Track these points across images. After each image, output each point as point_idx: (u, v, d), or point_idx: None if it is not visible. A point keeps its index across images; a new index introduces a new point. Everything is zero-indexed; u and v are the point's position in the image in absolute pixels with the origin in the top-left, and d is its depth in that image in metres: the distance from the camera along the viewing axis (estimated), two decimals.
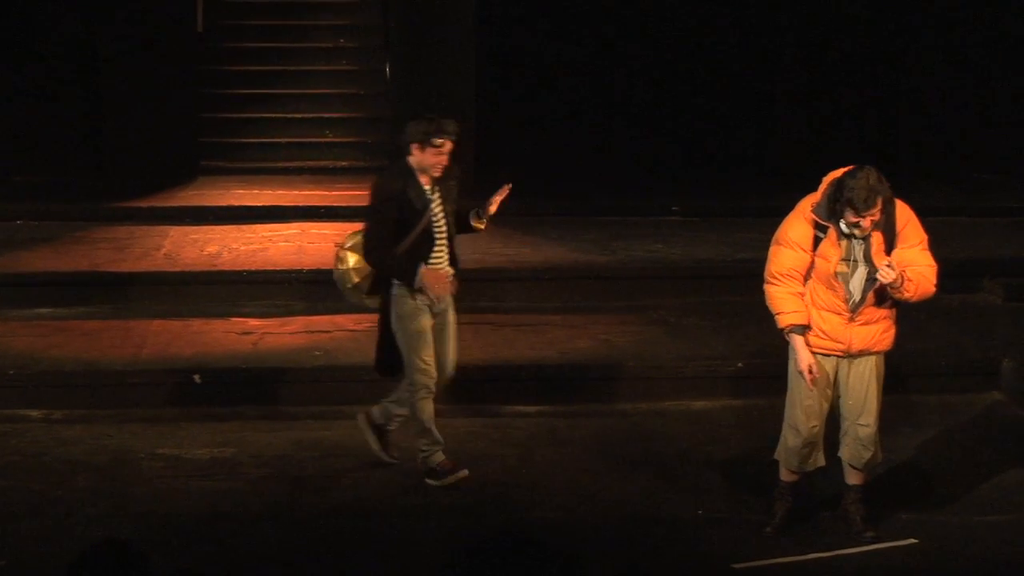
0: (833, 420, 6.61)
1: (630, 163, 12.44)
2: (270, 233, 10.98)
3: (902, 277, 6.17)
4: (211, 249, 10.49)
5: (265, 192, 12.04)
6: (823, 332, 6.39)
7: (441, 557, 6.04)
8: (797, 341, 6.39)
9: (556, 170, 12.20)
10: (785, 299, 6.39)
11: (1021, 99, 12.82)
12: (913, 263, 6.25)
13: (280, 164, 13.03)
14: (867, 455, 6.54)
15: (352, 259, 7.19)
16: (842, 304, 6.35)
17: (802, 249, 6.33)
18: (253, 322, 9.31)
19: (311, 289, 9.79)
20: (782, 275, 6.39)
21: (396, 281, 6.97)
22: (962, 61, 12.77)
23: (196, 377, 8.31)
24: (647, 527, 6.74)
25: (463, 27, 12.20)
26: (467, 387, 8.39)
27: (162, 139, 12.14)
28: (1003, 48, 12.78)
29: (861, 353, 6.42)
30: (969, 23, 12.78)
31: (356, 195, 12.00)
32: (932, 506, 6.99)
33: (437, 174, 6.92)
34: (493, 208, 7.15)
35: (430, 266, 6.93)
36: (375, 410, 7.36)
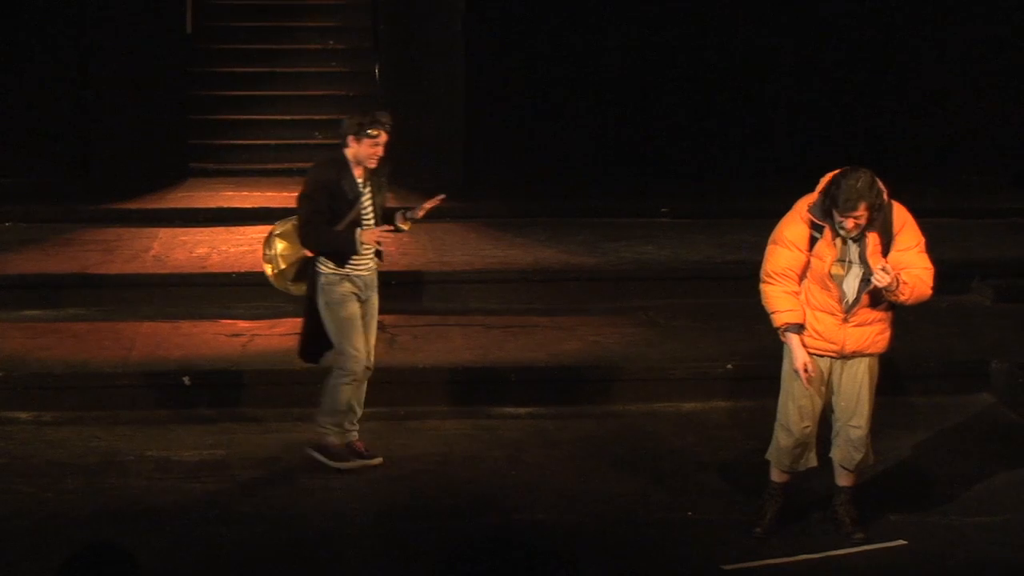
0: (825, 421, 6.62)
1: (620, 164, 12.45)
2: (260, 235, 10.78)
3: (897, 280, 6.18)
4: (200, 251, 10.49)
5: (254, 194, 12.04)
6: (817, 332, 6.40)
7: (431, 558, 6.08)
8: (792, 340, 6.41)
9: (546, 171, 12.21)
10: (780, 298, 6.40)
11: (1010, 100, 12.85)
12: (910, 266, 6.26)
13: (270, 166, 13.02)
14: (858, 457, 6.55)
15: (280, 245, 7.45)
16: (836, 305, 6.35)
17: (798, 249, 6.35)
18: (243, 324, 9.30)
19: None
20: (777, 274, 6.40)
21: (324, 269, 7.16)
22: (951, 62, 12.79)
23: (185, 379, 8.30)
24: (637, 528, 6.74)
25: (452, 28, 12.23)
26: (457, 389, 8.44)
27: (151, 141, 12.14)
28: (993, 49, 12.80)
29: (855, 354, 6.43)
30: (960, 24, 12.80)
31: None
32: (922, 507, 6.99)
33: (372, 165, 7.14)
34: (421, 214, 7.38)
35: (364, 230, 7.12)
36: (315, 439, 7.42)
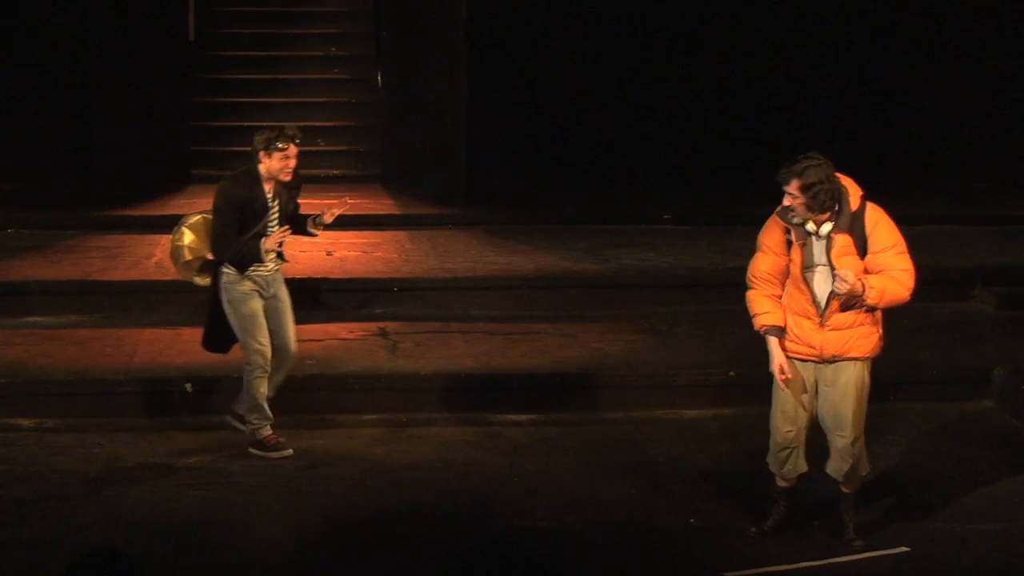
0: (819, 428, 6.59)
1: (622, 172, 12.46)
2: None
3: (862, 284, 6.17)
4: None
5: None
6: (796, 336, 6.42)
7: (433, 565, 6.07)
8: (770, 343, 6.46)
9: (548, 178, 12.23)
10: (760, 301, 6.48)
11: (1014, 108, 12.85)
12: (887, 268, 6.23)
13: None
14: (845, 467, 6.51)
15: (188, 237, 7.75)
16: (812, 308, 6.36)
17: (774, 252, 6.41)
18: None
19: (302, 298, 9.78)
20: (758, 278, 6.48)
21: (226, 270, 7.48)
22: (956, 70, 12.79)
23: (188, 386, 8.31)
24: (638, 535, 6.74)
25: (454, 36, 12.24)
26: (459, 396, 8.45)
27: (153, 147, 12.16)
28: (997, 56, 12.80)
29: (836, 359, 6.40)
30: (964, 31, 12.81)
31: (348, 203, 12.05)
32: (924, 514, 6.99)
33: (286, 178, 7.45)
34: (329, 219, 7.67)
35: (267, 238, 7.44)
36: (237, 406, 7.75)
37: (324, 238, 11.01)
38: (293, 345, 7.67)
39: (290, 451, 7.64)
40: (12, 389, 8.26)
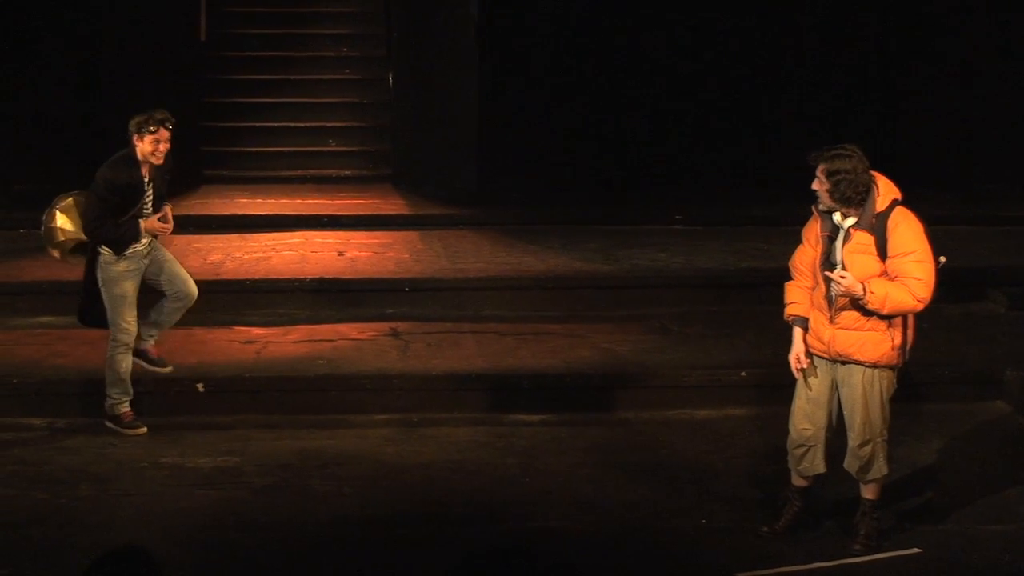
0: (837, 429, 6.60)
1: (634, 172, 12.47)
2: (273, 242, 11.04)
3: (863, 288, 6.17)
4: (214, 258, 10.54)
5: (268, 201, 12.11)
6: (813, 329, 6.48)
7: (444, 565, 6.08)
8: (794, 332, 6.52)
9: (559, 179, 12.25)
10: (791, 291, 6.57)
11: None
12: (902, 274, 6.20)
13: (283, 173, 13.10)
14: (854, 465, 6.53)
15: (60, 219, 8.04)
16: (824, 302, 6.40)
17: (810, 245, 6.46)
18: (256, 331, 9.35)
19: (314, 298, 9.86)
20: (793, 268, 6.58)
21: (103, 251, 7.83)
22: (965, 70, 12.79)
23: (199, 386, 8.34)
24: (650, 535, 6.76)
25: (465, 37, 12.25)
26: (470, 396, 8.47)
27: None
28: (1007, 56, 12.80)
29: (844, 359, 6.41)
30: (973, 31, 12.81)
31: (359, 204, 12.10)
32: (936, 515, 7.01)
33: (158, 161, 7.79)
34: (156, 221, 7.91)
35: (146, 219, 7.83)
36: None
37: (335, 238, 11.13)
38: (191, 286, 8.05)
39: (144, 429, 7.97)
40: (24, 389, 8.31)
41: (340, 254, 10.70)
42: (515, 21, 12.33)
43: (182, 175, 12.23)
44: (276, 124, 13.55)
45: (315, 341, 9.15)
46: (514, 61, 12.23)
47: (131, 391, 8.01)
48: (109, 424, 7.99)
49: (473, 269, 10.30)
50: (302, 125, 13.55)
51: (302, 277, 10.01)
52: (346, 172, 13.24)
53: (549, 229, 11.40)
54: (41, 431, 8.07)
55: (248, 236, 11.12)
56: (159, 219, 7.86)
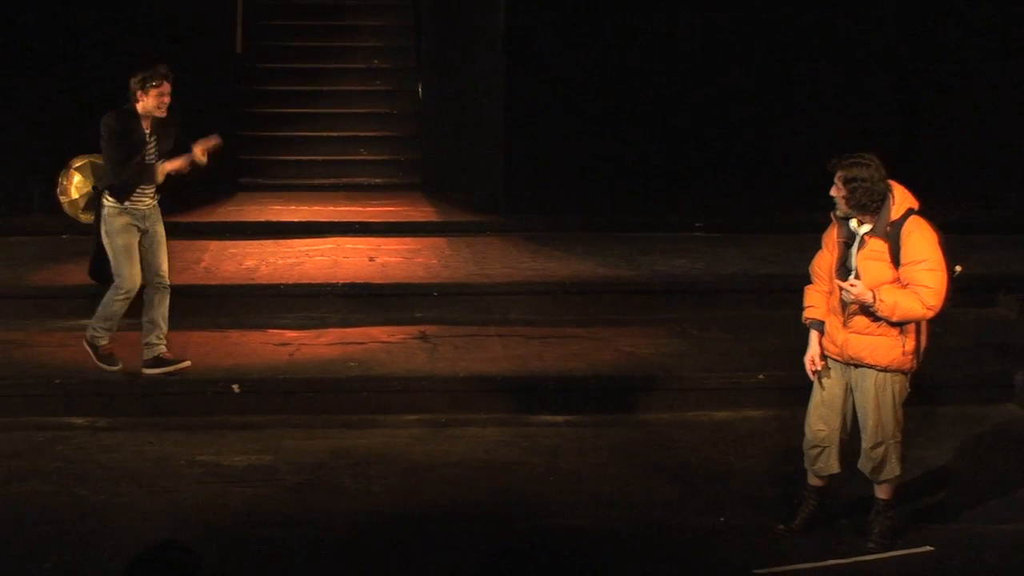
0: (852, 431, 6.69)
1: (655, 179, 12.46)
2: (306, 248, 11.12)
3: (873, 295, 6.27)
4: (249, 263, 10.65)
5: (302, 208, 12.19)
6: (828, 332, 6.57)
7: (470, 562, 6.20)
8: (811, 335, 6.62)
9: (582, 187, 12.20)
10: (810, 295, 6.66)
11: None
12: (913, 282, 6.27)
13: (316, 181, 13.18)
14: (867, 465, 6.60)
15: (77, 178, 8.41)
16: (839, 306, 6.48)
17: (828, 250, 6.56)
18: (290, 333, 9.45)
19: (346, 302, 9.93)
20: (814, 273, 6.67)
21: (107, 203, 8.16)
22: (981, 76, 12.78)
23: (235, 387, 8.45)
24: (670, 534, 6.82)
25: (492, 48, 12.33)
26: (496, 397, 8.54)
27: None
28: (1021, 62, 12.79)
29: (856, 362, 6.49)
30: (989, 39, 12.80)
31: (390, 211, 12.20)
32: (948, 514, 7.06)
33: (162, 114, 8.07)
34: (201, 154, 8.30)
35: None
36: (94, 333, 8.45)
37: (366, 244, 11.26)
38: (166, 275, 8.37)
39: (119, 366, 8.39)
40: (66, 389, 8.42)
41: (371, 259, 10.79)
42: (541, 32, 12.40)
43: (219, 182, 12.51)
44: (309, 134, 13.66)
45: (346, 344, 9.24)
46: (539, 72, 12.28)
47: (115, 330, 8.37)
48: (86, 346, 8.39)
49: (499, 274, 10.35)
50: (334, 135, 13.64)
51: (334, 282, 10.08)
52: (377, 180, 13.35)
53: (573, 236, 11.43)
54: (83, 430, 8.16)
55: (282, 242, 11.22)
56: (202, 150, 8.20)
